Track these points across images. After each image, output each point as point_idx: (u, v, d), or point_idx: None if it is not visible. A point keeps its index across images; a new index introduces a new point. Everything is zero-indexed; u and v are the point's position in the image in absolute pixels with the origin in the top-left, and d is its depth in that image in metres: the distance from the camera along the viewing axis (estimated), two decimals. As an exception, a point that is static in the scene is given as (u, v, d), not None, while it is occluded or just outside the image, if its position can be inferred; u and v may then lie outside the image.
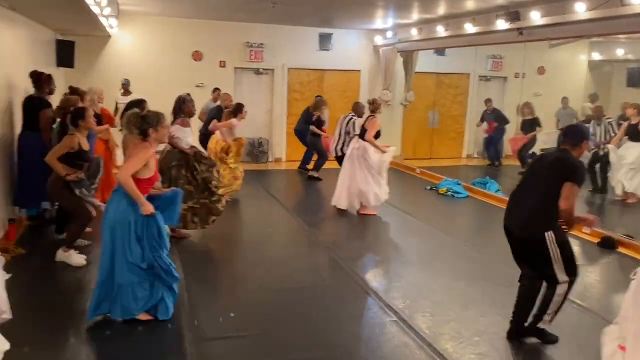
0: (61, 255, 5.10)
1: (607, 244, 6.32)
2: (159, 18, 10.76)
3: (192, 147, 6.17)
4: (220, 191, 6.43)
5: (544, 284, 3.86)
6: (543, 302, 3.84)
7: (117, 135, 7.01)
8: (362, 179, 7.34)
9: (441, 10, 8.80)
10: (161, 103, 6.53)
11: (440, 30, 9.57)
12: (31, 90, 6.26)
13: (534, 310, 3.90)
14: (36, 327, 3.92)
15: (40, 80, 6.10)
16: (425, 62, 11.88)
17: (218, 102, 9.43)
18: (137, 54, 10.79)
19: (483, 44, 9.64)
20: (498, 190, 9.08)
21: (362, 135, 7.49)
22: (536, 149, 10.19)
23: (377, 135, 7.39)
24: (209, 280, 5.22)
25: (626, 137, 8.45)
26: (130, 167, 3.88)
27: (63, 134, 5.15)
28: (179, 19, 10.85)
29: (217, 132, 7.96)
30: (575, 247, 6.40)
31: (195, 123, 9.71)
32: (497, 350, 3.89)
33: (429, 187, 9.55)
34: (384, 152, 7.41)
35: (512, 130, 11.68)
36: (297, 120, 10.72)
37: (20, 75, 6.33)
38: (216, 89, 9.97)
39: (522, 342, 3.94)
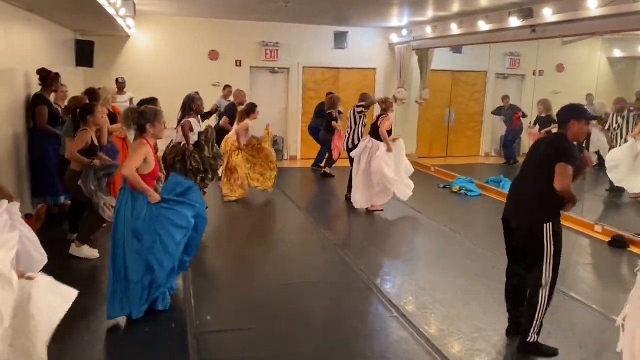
0: (74, 249, 5.27)
1: (618, 243, 6.25)
2: (176, 18, 10.93)
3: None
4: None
5: (529, 291, 3.75)
6: (529, 309, 3.73)
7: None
8: (371, 176, 7.40)
9: (455, 7, 8.77)
10: (178, 101, 6.74)
11: (454, 28, 9.55)
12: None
13: (523, 324, 3.76)
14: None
15: (48, 78, 6.26)
16: (441, 59, 11.82)
17: (230, 99, 9.56)
18: (155, 54, 10.99)
19: (496, 41, 9.56)
20: (511, 188, 9.00)
21: (372, 133, 7.53)
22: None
23: (389, 133, 7.44)
24: (216, 273, 5.34)
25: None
26: (131, 164, 3.98)
27: (75, 130, 5.29)
28: (196, 18, 11.00)
29: (232, 133, 8.07)
30: (586, 246, 6.43)
31: (210, 120, 9.92)
32: (495, 347, 3.90)
33: (442, 185, 9.53)
34: (394, 141, 7.54)
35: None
36: (311, 118, 10.82)
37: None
38: (227, 86, 10.09)
39: (540, 353, 3.78)
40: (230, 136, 8.09)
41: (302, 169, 11.16)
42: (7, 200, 3.09)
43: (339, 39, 11.88)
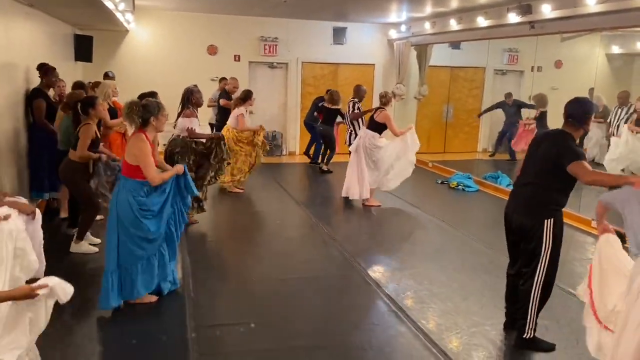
0: (74, 246, 5.30)
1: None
2: (175, 13, 10.93)
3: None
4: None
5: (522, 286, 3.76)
6: (522, 305, 3.75)
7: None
8: (369, 170, 7.51)
9: (454, 3, 8.78)
10: (177, 96, 6.73)
11: (453, 24, 9.57)
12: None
13: (517, 320, 3.80)
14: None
15: (44, 71, 6.26)
16: (440, 55, 11.83)
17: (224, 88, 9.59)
18: (154, 48, 10.99)
19: (495, 37, 9.58)
20: (509, 184, 9.04)
21: (370, 126, 7.58)
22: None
23: (384, 128, 7.48)
24: (215, 268, 5.36)
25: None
26: (150, 168, 4.03)
27: (77, 125, 5.30)
28: (195, 13, 11.00)
29: (231, 122, 8.13)
30: (583, 242, 6.47)
31: (207, 114, 9.96)
32: (493, 342, 3.94)
33: (440, 181, 9.57)
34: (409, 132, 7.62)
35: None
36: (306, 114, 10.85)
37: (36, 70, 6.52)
38: (223, 79, 10.10)
39: (538, 349, 3.82)
40: (230, 125, 8.15)
41: (300, 165, 11.19)
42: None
43: (338, 35, 11.89)
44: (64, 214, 6.20)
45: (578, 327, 4.15)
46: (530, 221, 3.66)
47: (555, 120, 10.12)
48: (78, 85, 6.53)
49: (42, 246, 3.33)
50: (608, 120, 9.28)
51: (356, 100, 8.72)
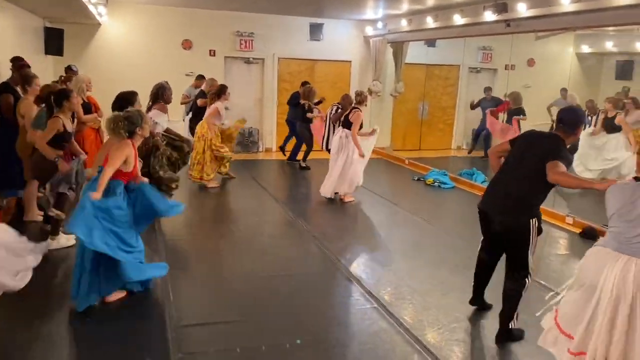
0: (51, 243, 5.16)
1: (589, 235, 6.41)
2: (149, 6, 10.72)
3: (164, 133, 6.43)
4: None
5: (507, 279, 3.83)
6: (510, 299, 3.80)
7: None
8: (345, 167, 7.52)
9: (431, 1, 8.82)
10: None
11: (430, 22, 9.61)
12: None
13: (504, 311, 3.85)
14: (21, 312, 3.97)
15: (17, 68, 6.09)
16: (416, 53, 11.91)
17: (202, 88, 9.44)
18: (127, 42, 10.76)
19: (471, 35, 9.68)
20: (484, 181, 9.16)
21: (345, 125, 7.64)
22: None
23: (359, 128, 7.56)
24: (194, 267, 5.28)
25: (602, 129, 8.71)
26: (113, 164, 4.03)
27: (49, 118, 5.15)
28: (169, 7, 10.81)
29: (206, 117, 8.06)
30: (558, 238, 6.58)
31: (180, 111, 9.83)
32: (474, 337, 3.98)
33: (416, 178, 9.63)
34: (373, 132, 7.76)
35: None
36: (287, 110, 10.77)
37: (5, 63, 6.32)
38: (200, 76, 9.97)
39: (515, 339, 3.90)
40: (205, 120, 8.07)
41: (277, 161, 11.12)
42: None
43: (315, 31, 11.84)
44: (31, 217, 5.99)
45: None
46: (519, 222, 3.69)
47: (529, 117, 10.35)
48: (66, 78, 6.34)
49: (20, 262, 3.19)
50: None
51: (340, 106, 8.70)
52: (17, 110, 5.72)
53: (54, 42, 9.20)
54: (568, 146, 3.73)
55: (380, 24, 11.50)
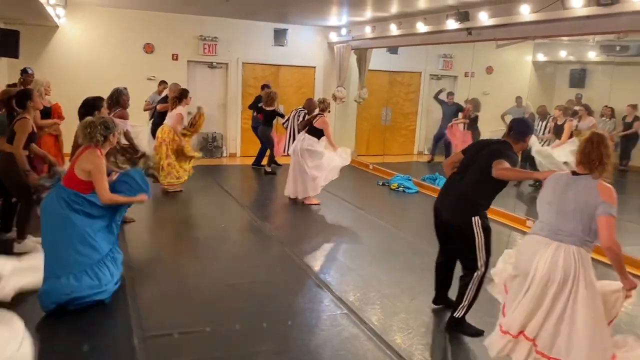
0: (17, 247, 5.00)
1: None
2: (109, 9, 10.49)
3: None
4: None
5: (462, 272, 4.09)
6: (460, 291, 4.04)
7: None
8: (307, 171, 7.68)
9: (394, 9, 8.96)
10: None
11: (393, 29, 9.75)
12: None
13: (456, 299, 4.09)
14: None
15: None
16: (379, 60, 12.04)
17: (164, 94, 9.29)
18: (87, 46, 10.49)
19: (434, 43, 9.86)
20: (447, 185, 9.32)
21: (308, 131, 7.78)
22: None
23: (322, 133, 7.70)
24: (158, 275, 5.16)
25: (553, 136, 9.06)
26: (103, 186, 4.05)
27: (10, 122, 4.96)
28: (130, 10, 10.61)
29: (169, 121, 7.95)
30: (519, 241, 6.75)
31: (145, 117, 9.65)
32: (443, 341, 4.03)
33: (381, 183, 9.73)
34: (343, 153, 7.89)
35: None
36: (251, 115, 10.73)
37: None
38: (163, 82, 9.81)
39: (465, 332, 4.06)
40: (166, 125, 7.96)
41: (242, 167, 11.04)
42: None
43: (279, 36, 11.84)
44: None
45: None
46: (461, 219, 3.94)
47: (486, 124, 10.60)
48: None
49: None
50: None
51: (306, 111, 8.72)
52: None
53: (9, 44, 8.83)
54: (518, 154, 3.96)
55: (344, 31, 11.60)
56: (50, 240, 3.99)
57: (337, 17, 10.62)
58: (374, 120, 12.95)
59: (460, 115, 11.44)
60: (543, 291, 3.05)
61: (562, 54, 12.14)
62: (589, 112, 10.04)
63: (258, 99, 10.45)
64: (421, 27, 8.99)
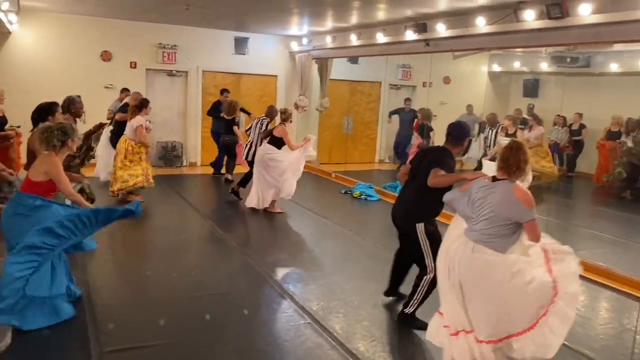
0: None
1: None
2: (65, 16, 10.24)
3: None
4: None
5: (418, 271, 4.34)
6: (412, 289, 4.30)
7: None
8: (269, 180, 7.74)
9: (354, 19, 9.07)
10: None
11: (353, 39, 9.87)
12: None
13: (406, 299, 4.35)
14: None
15: None
16: (340, 69, 12.18)
17: (125, 101, 9.12)
18: (41, 53, 10.19)
19: (393, 53, 10.04)
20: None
21: (270, 141, 7.83)
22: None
23: (283, 142, 7.77)
24: (118, 288, 5.05)
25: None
26: (65, 181, 4.00)
27: None
28: (87, 17, 10.38)
29: (128, 132, 7.81)
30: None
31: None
32: (406, 348, 4.07)
33: (343, 191, 9.79)
34: (306, 140, 7.97)
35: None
36: (212, 122, 10.66)
37: None
38: (125, 89, 9.63)
39: (413, 326, 4.27)
40: (127, 135, 7.83)
41: (202, 176, 10.91)
42: None
43: (240, 45, 11.80)
44: None
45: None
46: (408, 224, 4.25)
47: (443, 132, 10.82)
48: None
49: None
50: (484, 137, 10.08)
51: (268, 119, 8.72)
52: None
53: (-43, 50, 8.53)
54: (459, 156, 4.31)
55: (305, 40, 11.66)
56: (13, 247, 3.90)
57: (298, 27, 10.68)
58: (336, 129, 13.05)
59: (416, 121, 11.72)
60: (458, 284, 3.35)
61: (516, 65, 12.56)
62: (538, 121, 10.44)
63: (216, 104, 10.40)
64: (380, 37, 9.13)
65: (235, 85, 11.93)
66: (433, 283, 4.09)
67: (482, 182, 3.44)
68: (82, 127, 6.36)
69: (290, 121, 8.04)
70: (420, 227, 4.15)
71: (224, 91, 10.51)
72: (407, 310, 4.29)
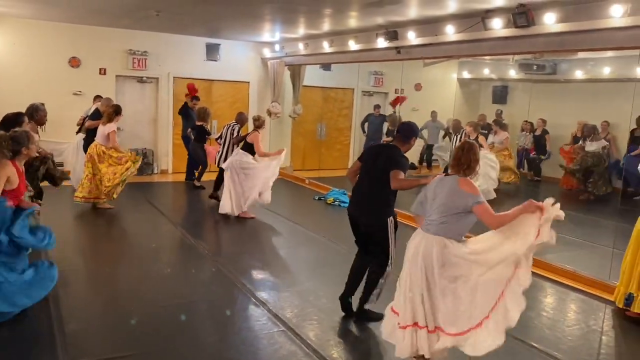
0: None
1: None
2: (31, 21, 10.03)
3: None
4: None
5: (370, 268, 4.48)
6: (370, 284, 4.43)
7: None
8: (242, 186, 7.75)
9: (326, 27, 9.12)
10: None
11: (326, 46, 9.92)
12: None
13: (363, 294, 4.49)
14: None
15: None
16: (313, 76, 12.22)
17: (94, 108, 8.99)
18: (6, 58, 9.96)
19: (365, 60, 10.12)
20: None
21: (244, 147, 7.89)
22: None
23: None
24: (88, 297, 4.95)
25: None
26: None
27: None
28: (55, 22, 10.19)
29: (99, 138, 7.76)
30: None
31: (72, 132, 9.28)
32: (381, 354, 4.09)
33: (317, 198, 9.80)
34: (278, 152, 7.99)
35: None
36: (182, 126, 10.61)
37: None
38: (98, 96, 9.49)
39: (371, 318, 4.41)
40: (97, 141, 7.76)
41: (174, 184, 10.79)
42: None
43: (211, 51, 11.75)
44: None
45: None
46: (377, 221, 4.36)
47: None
48: None
49: None
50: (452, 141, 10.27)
51: (239, 125, 8.71)
52: None
53: None
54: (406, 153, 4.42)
55: (277, 47, 11.67)
56: None
57: (270, 34, 10.68)
58: (309, 136, 13.07)
59: (385, 126, 11.89)
60: (422, 278, 3.46)
61: (485, 72, 12.79)
62: (502, 127, 10.70)
63: (185, 107, 10.36)
64: (352, 45, 9.21)
65: (206, 92, 11.85)
66: (388, 275, 4.37)
67: (437, 179, 3.69)
68: (42, 135, 6.29)
69: (263, 127, 8.08)
70: (390, 220, 4.32)
71: (194, 98, 10.42)
72: (367, 306, 4.45)
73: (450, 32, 7.19)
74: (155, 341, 4.06)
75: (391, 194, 4.30)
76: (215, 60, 11.82)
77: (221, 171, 9.84)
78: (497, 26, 6.48)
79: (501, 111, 12.06)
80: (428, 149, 12.26)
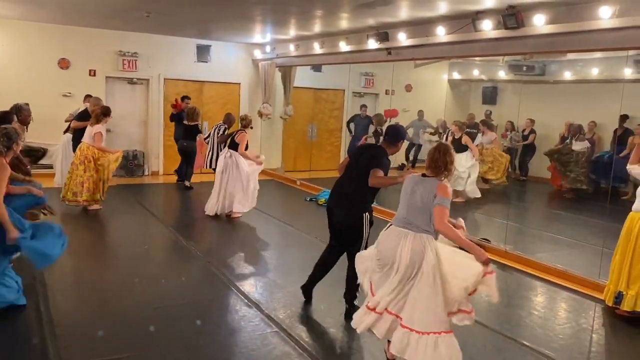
0: None
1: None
2: (20, 22, 9.97)
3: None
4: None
5: (349, 266, 4.56)
6: (352, 281, 4.46)
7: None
8: (232, 186, 7.77)
9: (317, 28, 9.14)
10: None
11: (317, 48, 9.94)
12: None
13: (346, 293, 4.64)
14: None
15: None
16: (303, 77, 12.23)
17: (82, 108, 8.95)
18: (-5, 60, 9.89)
19: (356, 62, 10.14)
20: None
21: (231, 146, 7.86)
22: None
23: (245, 148, 7.81)
24: (80, 300, 4.92)
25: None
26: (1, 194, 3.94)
27: None
28: (44, 24, 10.14)
29: (87, 139, 7.71)
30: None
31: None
32: (375, 355, 4.10)
33: (308, 199, 9.80)
34: (258, 163, 7.95)
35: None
36: (174, 129, 10.55)
37: None
38: (88, 96, 9.44)
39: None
40: (85, 141, 7.72)
41: (165, 185, 10.75)
42: None
43: (202, 53, 11.74)
44: None
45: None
46: (353, 216, 4.48)
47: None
48: None
49: None
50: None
51: (226, 126, 8.72)
52: None
53: None
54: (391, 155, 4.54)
55: (268, 48, 11.67)
56: None
57: (261, 35, 10.68)
58: (300, 137, 13.07)
59: (371, 128, 11.92)
60: (405, 274, 3.48)
61: (475, 73, 12.88)
62: (489, 127, 10.79)
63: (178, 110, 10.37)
64: (343, 46, 9.23)
65: (197, 93, 11.83)
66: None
67: (413, 177, 3.71)
68: (27, 137, 6.26)
69: (251, 127, 8.14)
70: (366, 215, 4.45)
71: (184, 98, 10.44)
72: (356, 302, 4.50)
73: (441, 34, 7.23)
74: (147, 343, 4.04)
75: (368, 192, 4.43)
76: (206, 62, 11.81)
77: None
78: (487, 27, 6.53)
79: (490, 112, 12.14)
80: (410, 147, 12.32)
